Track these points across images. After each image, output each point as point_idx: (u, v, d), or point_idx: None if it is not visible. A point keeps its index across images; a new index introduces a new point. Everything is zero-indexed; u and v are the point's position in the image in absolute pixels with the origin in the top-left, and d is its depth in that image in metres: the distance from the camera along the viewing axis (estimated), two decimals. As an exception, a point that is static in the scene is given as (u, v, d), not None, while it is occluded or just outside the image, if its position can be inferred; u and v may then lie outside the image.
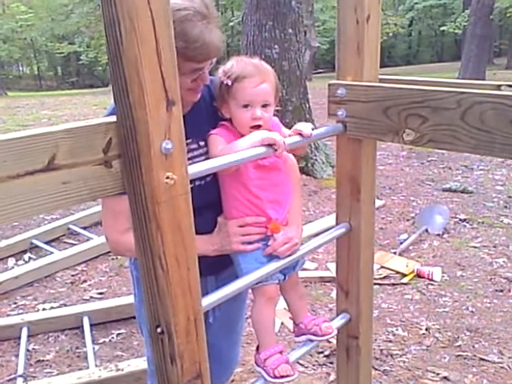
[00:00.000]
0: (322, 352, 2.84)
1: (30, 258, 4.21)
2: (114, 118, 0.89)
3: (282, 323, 3.11)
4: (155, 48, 0.82)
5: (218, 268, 1.55)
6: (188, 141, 1.44)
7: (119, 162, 0.91)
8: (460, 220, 4.76)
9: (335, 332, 1.48)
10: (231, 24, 25.51)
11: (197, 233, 0.98)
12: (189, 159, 1.42)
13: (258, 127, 1.38)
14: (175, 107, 0.87)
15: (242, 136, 1.37)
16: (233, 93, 1.39)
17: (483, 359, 2.78)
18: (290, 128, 1.42)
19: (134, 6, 0.79)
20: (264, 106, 1.39)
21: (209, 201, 1.46)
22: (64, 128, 0.84)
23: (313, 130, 1.29)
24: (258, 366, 1.42)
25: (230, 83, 1.38)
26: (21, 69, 39.59)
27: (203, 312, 1.04)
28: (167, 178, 0.89)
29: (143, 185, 0.88)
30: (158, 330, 0.99)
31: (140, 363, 2.65)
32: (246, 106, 1.38)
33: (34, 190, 0.83)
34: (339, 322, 1.53)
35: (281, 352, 1.41)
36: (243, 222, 1.41)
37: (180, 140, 0.90)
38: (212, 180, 1.46)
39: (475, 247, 4.22)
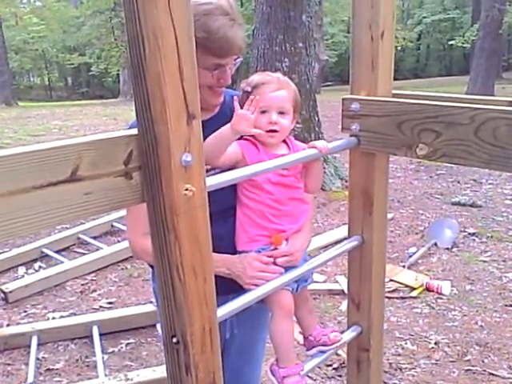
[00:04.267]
0: (330, 365, 2.84)
1: (40, 266, 4.24)
2: (134, 131, 0.91)
3: (291, 335, 3.11)
4: (178, 64, 0.84)
5: (239, 286, 1.49)
6: None
7: (139, 173, 0.92)
8: (469, 234, 4.75)
9: (343, 339, 1.49)
10: (241, 37, 25.67)
11: (217, 235, 0.99)
12: None
13: (274, 132, 1.41)
14: (195, 121, 0.89)
15: (262, 145, 1.42)
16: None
17: (493, 374, 2.77)
18: (299, 140, 1.46)
19: (158, 23, 0.81)
20: (281, 112, 1.42)
21: (229, 204, 1.48)
22: (87, 140, 0.86)
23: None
24: (273, 375, 1.42)
25: (249, 89, 1.41)
26: (32, 79, 39.99)
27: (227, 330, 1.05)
28: (186, 189, 0.91)
29: (163, 196, 0.90)
30: (174, 340, 1.00)
31: (149, 373, 2.66)
32: (263, 112, 1.40)
33: (57, 200, 0.84)
34: (350, 334, 1.53)
35: (299, 373, 1.41)
36: (262, 259, 1.42)
37: (199, 152, 0.91)
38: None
39: (484, 261, 4.20)
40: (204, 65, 1.35)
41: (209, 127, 1.47)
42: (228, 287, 1.23)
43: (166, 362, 1.05)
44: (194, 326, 0.98)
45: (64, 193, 0.85)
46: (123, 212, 1.59)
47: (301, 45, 5.98)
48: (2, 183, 0.77)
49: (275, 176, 1.40)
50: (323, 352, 1.51)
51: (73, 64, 28.18)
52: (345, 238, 1.50)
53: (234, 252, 1.48)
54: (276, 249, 1.42)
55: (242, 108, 1.42)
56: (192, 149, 0.90)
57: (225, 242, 1.45)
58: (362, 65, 1.31)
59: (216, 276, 1.00)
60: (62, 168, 0.84)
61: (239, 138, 1.48)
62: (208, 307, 1.00)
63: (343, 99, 1.34)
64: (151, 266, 1.69)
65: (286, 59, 5.93)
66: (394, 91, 1.38)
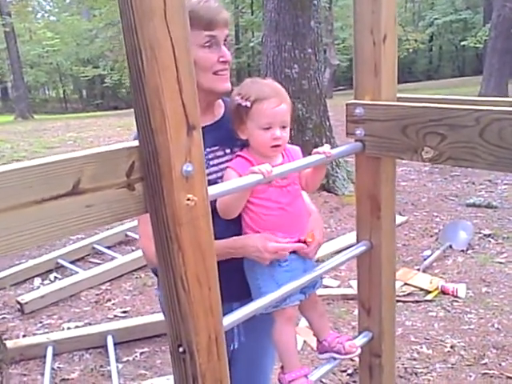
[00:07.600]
0: (345, 371, 2.81)
1: (55, 277, 4.28)
2: (136, 143, 0.91)
3: (305, 341, 3.09)
4: (176, 76, 0.84)
5: (243, 294, 1.49)
6: (215, 148, 1.51)
7: (142, 184, 0.93)
8: (484, 235, 4.69)
9: (359, 351, 1.47)
10: (251, 45, 25.84)
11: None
12: (215, 165, 1.48)
13: (278, 146, 1.41)
14: (195, 131, 0.89)
15: (258, 158, 1.41)
16: (252, 114, 1.39)
17: (510, 377, 2.72)
18: (310, 145, 1.45)
19: (155, 36, 0.82)
20: (283, 126, 1.40)
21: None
22: (88, 153, 0.87)
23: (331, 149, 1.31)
24: (281, 384, 1.42)
25: (249, 105, 1.38)
26: (47, 92, 40.58)
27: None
28: (188, 199, 0.91)
29: (165, 207, 0.90)
30: (180, 349, 1.00)
31: (163, 382, 2.67)
32: (266, 128, 1.39)
33: (59, 213, 0.85)
34: (361, 340, 1.52)
35: (306, 375, 1.40)
36: (277, 239, 1.41)
37: (200, 162, 0.92)
38: None
39: (500, 263, 4.14)
40: (197, 41, 1.38)
41: (213, 132, 1.49)
42: (231, 295, 1.22)
43: (174, 371, 1.06)
44: (200, 335, 0.98)
45: (66, 206, 0.85)
46: (137, 222, 1.62)
47: (310, 51, 5.99)
48: (4, 198, 0.78)
49: (276, 189, 1.40)
50: (335, 358, 1.50)
51: (87, 76, 28.57)
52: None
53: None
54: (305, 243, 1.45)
55: (236, 119, 1.43)
56: (193, 159, 0.90)
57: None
58: (365, 70, 1.31)
59: (220, 283, 1.00)
60: (64, 181, 0.85)
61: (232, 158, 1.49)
62: (214, 316, 1.00)
63: (347, 104, 1.34)
64: (156, 274, 1.70)
65: (296, 65, 5.94)
66: (401, 95, 1.37)
